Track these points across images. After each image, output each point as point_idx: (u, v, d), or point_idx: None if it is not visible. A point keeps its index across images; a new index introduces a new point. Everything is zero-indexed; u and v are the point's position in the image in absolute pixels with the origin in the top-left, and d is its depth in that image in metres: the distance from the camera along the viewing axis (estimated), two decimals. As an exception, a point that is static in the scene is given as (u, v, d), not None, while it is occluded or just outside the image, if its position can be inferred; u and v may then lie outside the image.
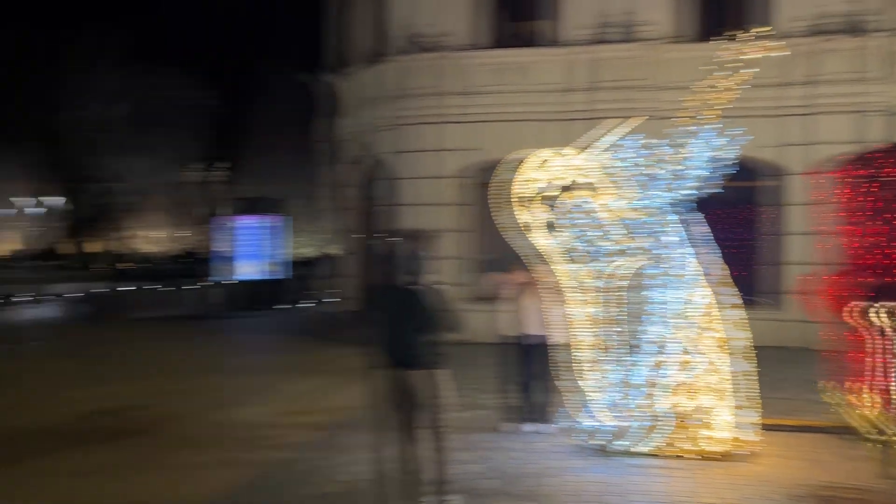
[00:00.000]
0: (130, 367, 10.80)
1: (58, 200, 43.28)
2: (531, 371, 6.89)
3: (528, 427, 6.91)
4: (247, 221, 21.50)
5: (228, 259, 21.60)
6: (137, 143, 36.42)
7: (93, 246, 42.75)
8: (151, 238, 48.03)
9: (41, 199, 45.74)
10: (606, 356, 6.28)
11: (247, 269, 21.13)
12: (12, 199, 48.41)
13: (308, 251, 28.20)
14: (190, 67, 36.34)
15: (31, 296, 22.59)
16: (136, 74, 35.13)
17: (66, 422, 7.41)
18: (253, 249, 21.28)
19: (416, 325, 4.92)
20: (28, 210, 48.94)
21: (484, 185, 12.52)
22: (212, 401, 8.49)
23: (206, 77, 37.39)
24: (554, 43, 12.99)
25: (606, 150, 6.37)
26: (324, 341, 13.07)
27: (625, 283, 6.30)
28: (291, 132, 30.57)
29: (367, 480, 5.27)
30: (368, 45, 14.80)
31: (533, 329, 6.89)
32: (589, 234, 6.33)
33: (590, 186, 6.39)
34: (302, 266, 22.92)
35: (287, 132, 32.05)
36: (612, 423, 6.22)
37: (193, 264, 31.68)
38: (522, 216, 6.46)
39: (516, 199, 6.47)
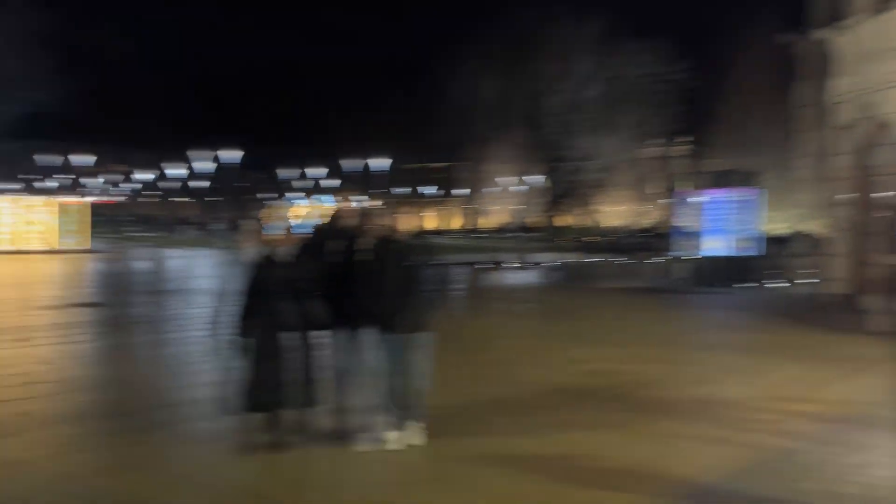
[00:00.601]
0: (607, 333, 11.37)
1: (538, 179, 48.23)
2: None
3: None
4: (714, 195, 20.81)
5: (692, 234, 21.24)
6: (606, 121, 38.24)
7: (561, 220, 46.54)
8: (614, 212, 50.32)
9: (524, 178, 51.65)
10: None
11: (712, 245, 20.51)
12: (498, 178, 55.71)
13: (781, 227, 26.10)
14: (657, 42, 36.60)
15: (516, 263, 25.67)
16: (607, 55, 36.83)
17: (567, 379, 8.03)
18: (720, 224, 20.52)
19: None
20: (512, 188, 55.84)
21: None
22: (689, 374, 8.39)
23: (673, 50, 37.21)
24: None
25: None
26: (803, 325, 11.90)
27: None
28: (764, 99, 28.52)
29: (893, 489, 4.54)
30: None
31: None
32: None
33: None
34: (773, 243, 21.31)
35: (759, 99, 30.02)
36: None
37: (654, 238, 32.05)
38: None
39: None
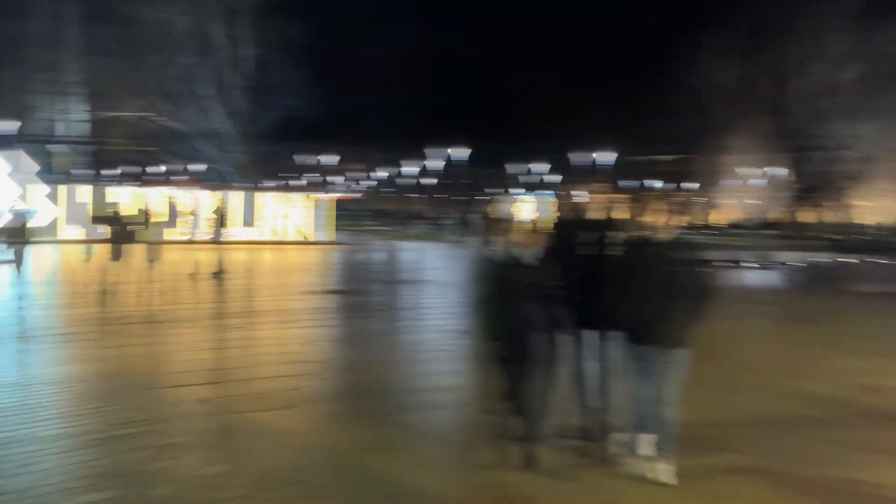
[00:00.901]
0: (877, 342, 10.12)
1: (780, 171, 44.30)
2: None
3: None
4: None
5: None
6: (866, 106, 34.11)
7: (806, 215, 42.38)
8: (873, 207, 44.71)
9: (764, 170, 47.72)
10: None
11: None
12: (734, 170, 51.94)
13: None
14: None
15: (756, 262, 23.77)
16: (868, 30, 32.82)
17: (835, 393, 7.24)
18: None
19: None
20: (750, 181, 51.82)
21: None
22: None
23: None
24: None
25: None
26: None
27: None
28: None
29: None
30: None
31: None
32: None
33: None
34: None
35: None
36: None
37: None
38: None
39: None
